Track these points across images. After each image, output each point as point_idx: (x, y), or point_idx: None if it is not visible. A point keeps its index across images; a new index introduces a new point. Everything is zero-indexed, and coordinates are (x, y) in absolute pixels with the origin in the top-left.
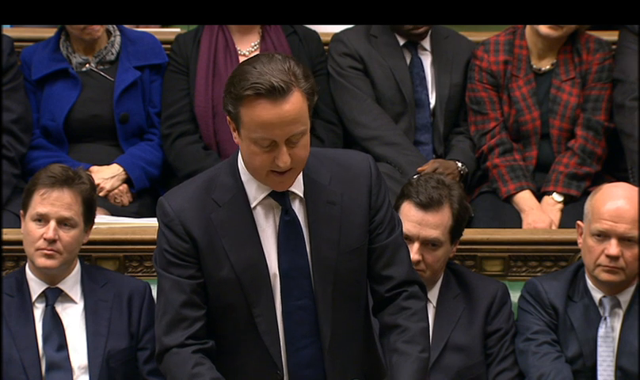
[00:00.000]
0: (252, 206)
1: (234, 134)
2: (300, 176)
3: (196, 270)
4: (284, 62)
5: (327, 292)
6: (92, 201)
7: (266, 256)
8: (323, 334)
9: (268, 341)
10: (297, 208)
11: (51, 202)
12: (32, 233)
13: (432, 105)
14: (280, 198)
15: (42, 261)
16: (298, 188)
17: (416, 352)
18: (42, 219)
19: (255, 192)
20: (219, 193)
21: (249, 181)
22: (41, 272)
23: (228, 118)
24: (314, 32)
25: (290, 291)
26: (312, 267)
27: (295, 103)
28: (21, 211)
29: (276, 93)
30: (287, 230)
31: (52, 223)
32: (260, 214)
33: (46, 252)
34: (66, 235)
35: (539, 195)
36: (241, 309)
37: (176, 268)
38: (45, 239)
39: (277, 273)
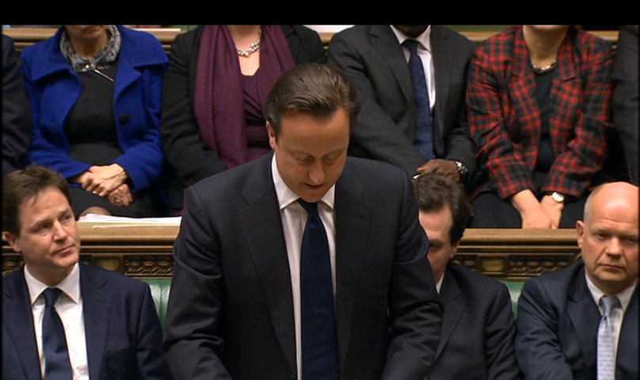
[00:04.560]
0: (280, 208)
1: (271, 140)
2: (332, 187)
3: (215, 265)
4: (332, 77)
5: (348, 304)
6: (68, 187)
7: (289, 260)
8: (341, 344)
9: (284, 345)
10: (325, 218)
11: (45, 205)
12: (41, 242)
13: (431, 105)
14: (308, 205)
15: (64, 261)
16: (328, 197)
17: (418, 356)
18: (45, 226)
19: (284, 196)
20: (249, 191)
21: (280, 183)
22: (54, 272)
23: (267, 123)
24: (314, 32)
25: (310, 298)
26: (335, 278)
27: (338, 122)
28: (6, 233)
29: (320, 111)
30: (312, 238)
31: (56, 223)
32: (287, 218)
33: (64, 251)
34: (69, 227)
35: (538, 195)
36: (259, 310)
37: (195, 261)
38: (58, 241)
39: (298, 279)
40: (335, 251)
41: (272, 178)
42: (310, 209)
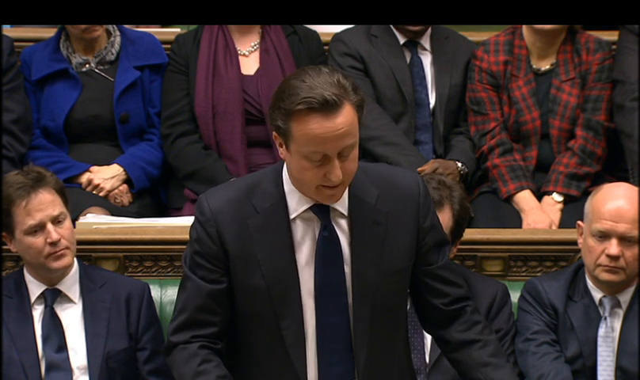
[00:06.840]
0: (291, 217)
1: (281, 150)
2: (345, 193)
3: (221, 275)
4: (332, 75)
5: (365, 313)
6: (64, 188)
7: (300, 269)
8: (357, 354)
9: (294, 355)
10: (340, 225)
11: (37, 208)
12: (34, 245)
13: (431, 105)
14: (321, 213)
15: (57, 264)
16: (341, 205)
17: (509, 366)
18: (38, 228)
19: (296, 204)
20: (260, 200)
21: (291, 192)
22: (51, 274)
23: (275, 133)
24: (314, 32)
25: (323, 307)
26: (352, 287)
27: (347, 116)
28: (4, 234)
29: (329, 107)
30: (325, 246)
31: (49, 226)
32: (298, 227)
33: (57, 254)
34: (64, 230)
35: (538, 195)
36: (269, 320)
37: (200, 270)
38: (51, 243)
39: (312, 288)
40: (350, 258)
41: (282, 187)
42: (323, 217)
